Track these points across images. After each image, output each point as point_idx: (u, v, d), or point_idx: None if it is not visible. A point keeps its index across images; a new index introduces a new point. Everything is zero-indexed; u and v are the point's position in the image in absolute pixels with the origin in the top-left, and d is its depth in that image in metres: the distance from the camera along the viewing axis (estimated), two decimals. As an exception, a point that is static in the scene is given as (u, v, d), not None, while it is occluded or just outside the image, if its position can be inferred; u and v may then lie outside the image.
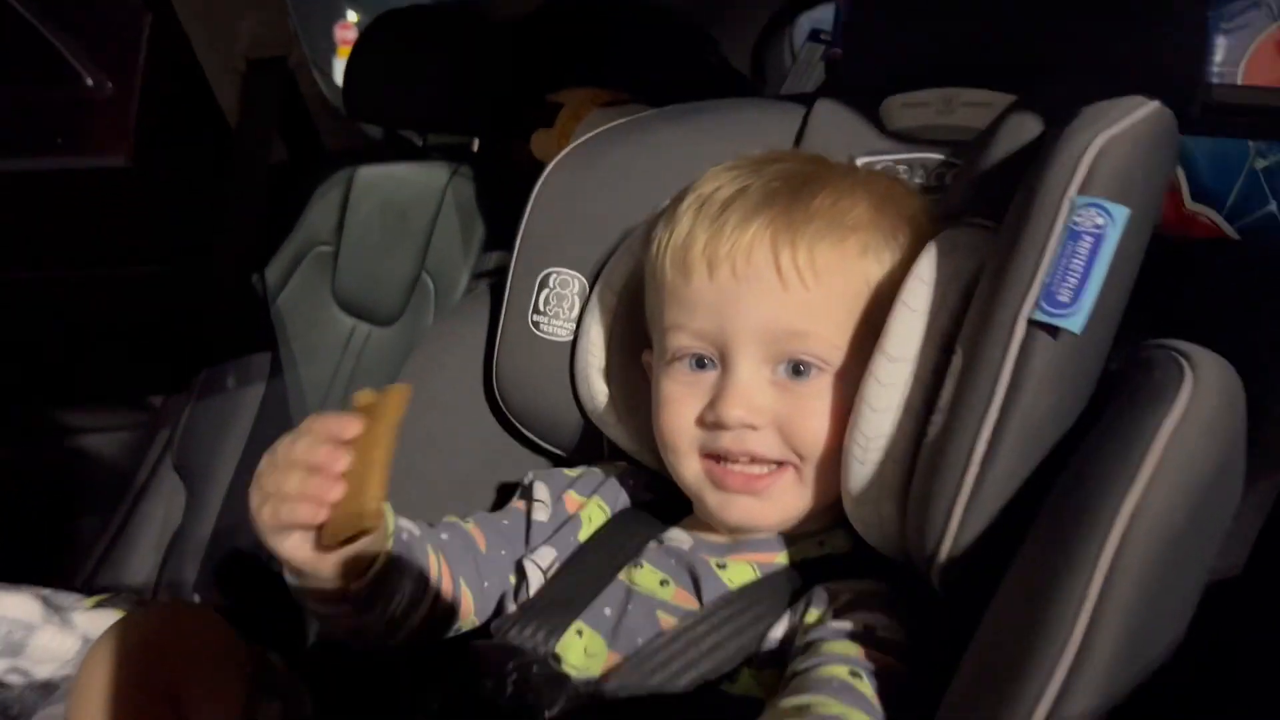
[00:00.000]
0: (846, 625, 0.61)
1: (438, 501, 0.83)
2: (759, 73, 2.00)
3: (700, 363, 0.69)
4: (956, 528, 0.54)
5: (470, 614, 0.74)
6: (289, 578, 0.65)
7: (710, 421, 0.68)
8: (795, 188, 0.67)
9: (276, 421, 1.58)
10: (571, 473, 0.81)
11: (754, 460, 0.67)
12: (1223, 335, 0.59)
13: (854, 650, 0.59)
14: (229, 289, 1.66)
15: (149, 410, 1.73)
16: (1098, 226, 0.52)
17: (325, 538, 0.60)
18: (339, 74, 1.64)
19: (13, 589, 0.70)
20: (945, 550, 0.55)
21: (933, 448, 0.57)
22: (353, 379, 1.55)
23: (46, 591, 0.73)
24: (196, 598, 1.56)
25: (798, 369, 0.66)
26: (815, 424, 0.66)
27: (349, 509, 0.59)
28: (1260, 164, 0.89)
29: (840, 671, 0.57)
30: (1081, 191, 0.54)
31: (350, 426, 0.59)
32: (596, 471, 0.81)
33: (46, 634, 0.67)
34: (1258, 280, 0.83)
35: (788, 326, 0.65)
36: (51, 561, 1.63)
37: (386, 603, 0.68)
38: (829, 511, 0.69)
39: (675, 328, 0.70)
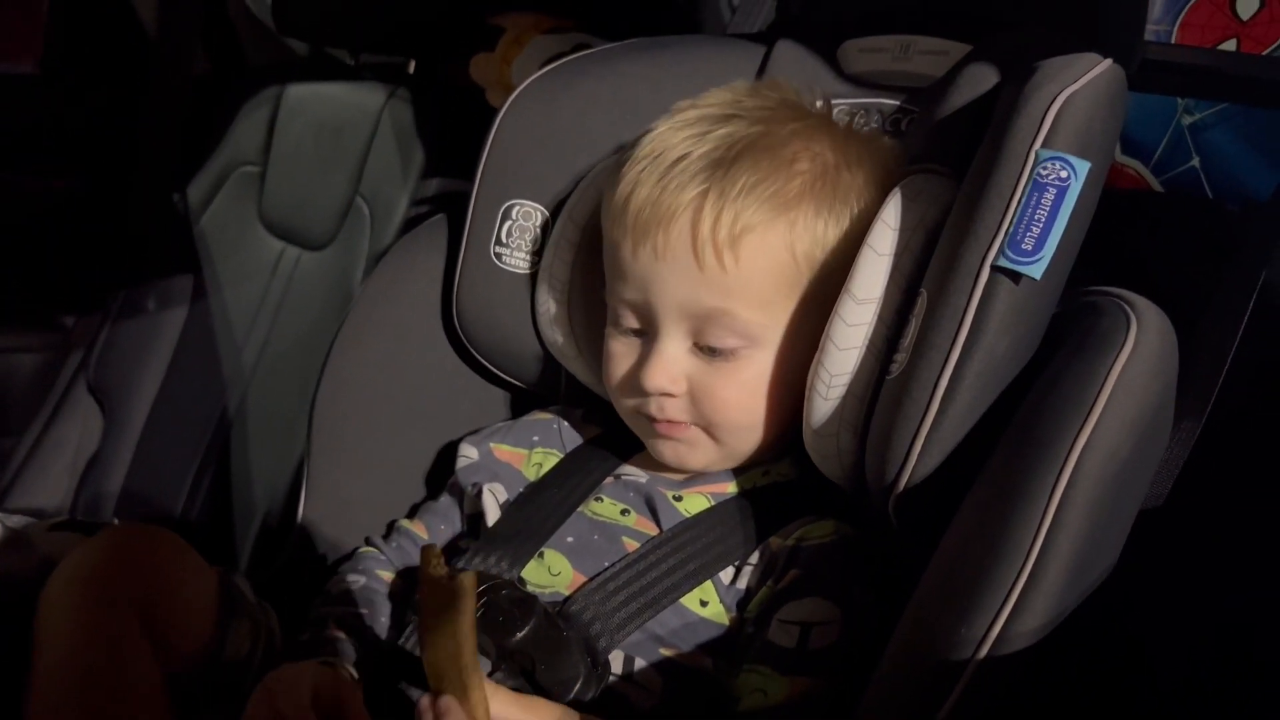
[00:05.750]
0: (788, 615, 0.64)
1: (398, 432, 0.85)
2: (693, 1, 1.99)
3: (634, 328, 0.72)
4: (916, 459, 0.58)
5: None
6: None
7: (635, 385, 0.72)
8: (734, 157, 0.67)
9: (200, 346, 1.56)
10: (504, 424, 0.84)
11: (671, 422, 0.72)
12: (1148, 283, 0.64)
13: (794, 640, 0.64)
14: (148, 207, 1.62)
15: (61, 331, 1.67)
16: (1061, 179, 0.55)
17: None
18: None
19: (-34, 511, 0.69)
20: (904, 481, 0.59)
21: (896, 384, 0.60)
22: (282, 304, 1.51)
23: (-2, 514, 0.72)
24: (116, 523, 1.54)
25: (714, 348, 0.69)
26: (725, 397, 0.70)
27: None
28: (1187, 120, 0.94)
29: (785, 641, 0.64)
30: (1045, 145, 0.57)
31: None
32: (535, 420, 0.83)
33: (6, 557, 0.66)
34: (1179, 233, 0.88)
35: (706, 306, 0.68)
36: (-43, 484, 1.58)
37: None
38: (772, 448, 0.73)
39: (612, 293, 0.73)
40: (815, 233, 0.68)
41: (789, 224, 0.67)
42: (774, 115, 0.70)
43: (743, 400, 0.70)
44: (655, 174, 0.69)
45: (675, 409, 0.71)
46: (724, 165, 0.67)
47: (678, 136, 0.70)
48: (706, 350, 0.69)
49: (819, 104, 0.75)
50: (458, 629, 0.55)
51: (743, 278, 0.67)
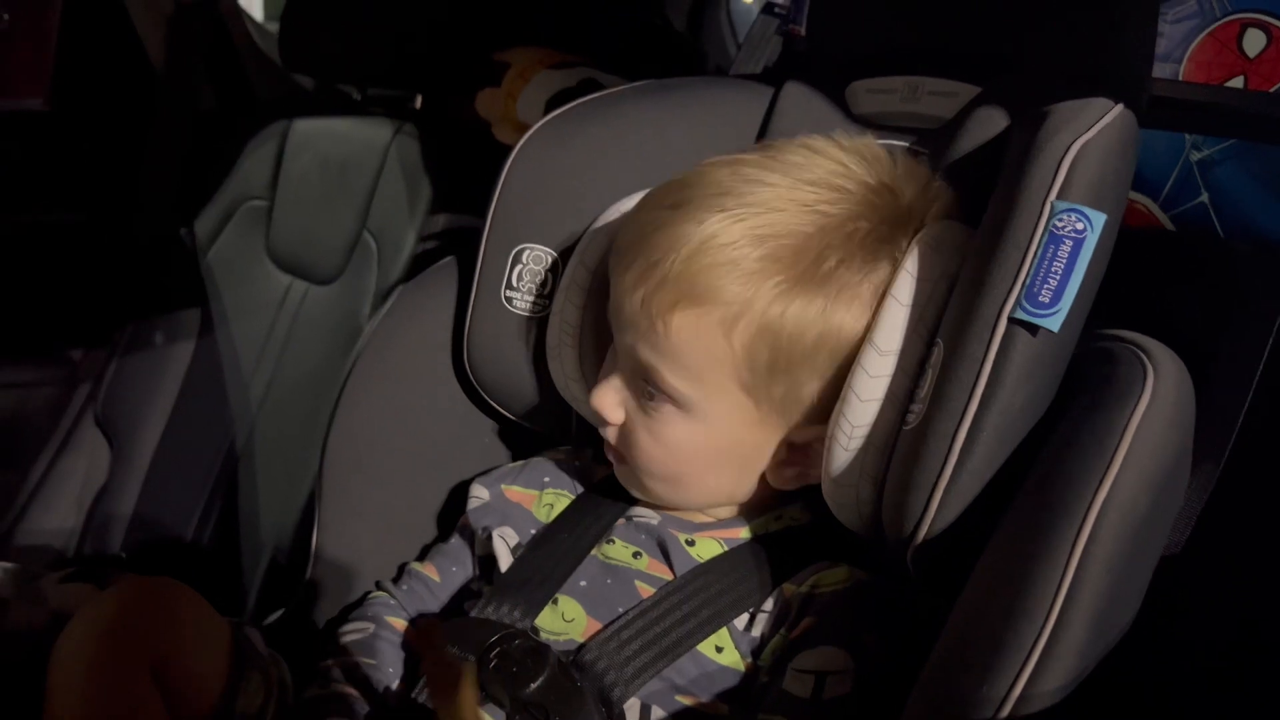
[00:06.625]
0: (802, 664, 0.64)
1: (410, 475, 0.84)
2: (697, 35, 2.01)
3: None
4: (935, 512, 0.58)
5: None
6: None
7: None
8: (728, 223, 0.65)
9: (207, 379, 1.56)
10: (515, 465, 0.84)
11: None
12: (1159, 323, 0.64)
13: (808, 690, 0.63)
14: (154, 241, 1.63)
15: (68, 365, 1.68)
16: (1078, 231, 0.55)
17: None
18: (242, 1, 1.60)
19: (-24, 564, 0.69)
20: (923, 533, 0.59)
21: (913, 436, 0.60)
22: (289, 338, 1.52)
23: (8, 564, 0.71)
24: (124, 556, 1.54)
25: (651, 393, 0.69)
26: (643, 445, 0.71)
27: None
28: (1195, 156, 0.94)
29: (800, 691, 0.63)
30: (1061, 196, 0.57)
31: None
32: (546, 461, 0.83)
33: (18, 610, 0.66)
34: (1191, 271, 0.88)
35: (640, 356, 0.68)
36: (-36, 518, 1.58)
37: None
38: (778, 492, 0.73)
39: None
40: (765, 321, 0.64)
41: (737, 309, 0.64)
42: (824, 198, 0.66)
43: (657, 454, 0.70)
44: (663, 206, 0.68)
45: (611, 433, 0.73)
46: (714, 231, 0.64)
47: (719, 174, 0.68)
48: (645, 391, 0.70)
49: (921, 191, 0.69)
50: (459, 713, 0.56)
51: (672, 346, 0.66)
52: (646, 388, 0.69)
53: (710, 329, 0.65)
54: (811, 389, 0.67)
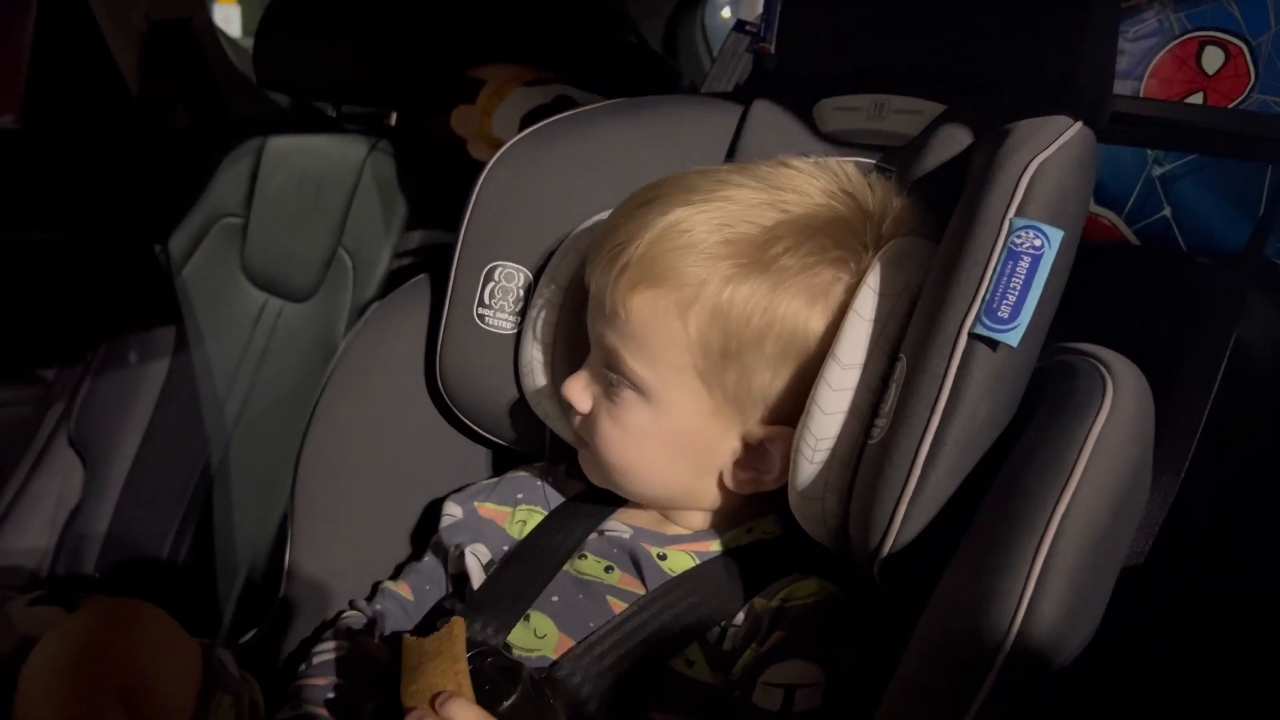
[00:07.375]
0: (773, 678, 0.64)
1: (383, 494, 0.84)
2: (672, 51, 2.02)
3: None
4: (899, 525, 0.58)
5: None
6: None
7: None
8: (692, 214, 0.68)
9: (182, 398, 1.56)
10: (488, 482, 0.84)
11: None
12: (1122, 336, 0.65)
13: (778, 703, 0.64)
14: (129, 259, 1.62)
15: (40, 384, 1.67)
16: (1035, 248, 0.56)
17: None
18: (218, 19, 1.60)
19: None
20: (888, 546, 0.59)
21: (877, 450, 0.61)
22: (265, 355, 1.52)
23: (-24, 588, 0.71)
24: (98, 577, 1.53)
25: (615, 380, 0.71)
26: (605, 431, 0.72)
27: None
28: (1157, 171, 0.96)
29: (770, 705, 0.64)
30: (1019, 213, 0.58)
31: None
32: (519, 477, 0.84)
33: (-15, 634, 0.65)
34: (1154, 285, 0.89)
35: (606, 340, 0.70)
36: (-64, 540, 1.57)
37: None
38: (749, 504, 0.74)
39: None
40: (716, 303, 0.66)
41: (692, 291, 0.67)
42: (787, 199, 0.68)
43: (616, 438, 0.72)
44: (636, 203, 0.70)
45: (576, 421, 0.75)
46: (677, 219, 0.67)
47: (691, 178, 0.71)
48: (610, 380, 0.71)
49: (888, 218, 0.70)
50: (454, 657, 0.59)
51: (633, 329, 0.69)
52: (611, 375, 0.71)
53: (667, 310, 0.67)
54: (762, 380, 0.68)
